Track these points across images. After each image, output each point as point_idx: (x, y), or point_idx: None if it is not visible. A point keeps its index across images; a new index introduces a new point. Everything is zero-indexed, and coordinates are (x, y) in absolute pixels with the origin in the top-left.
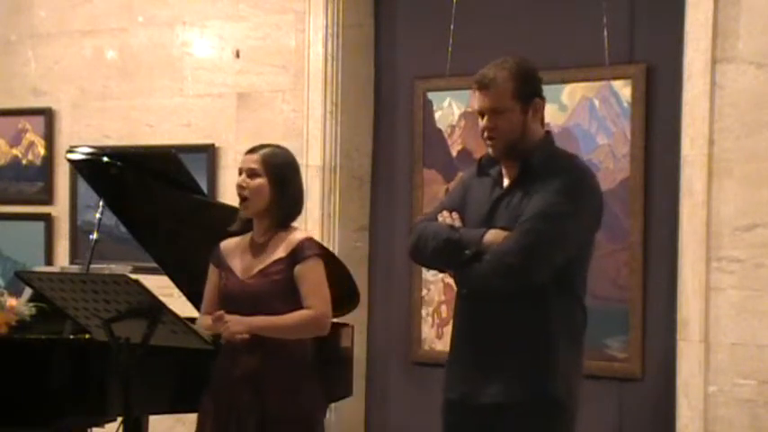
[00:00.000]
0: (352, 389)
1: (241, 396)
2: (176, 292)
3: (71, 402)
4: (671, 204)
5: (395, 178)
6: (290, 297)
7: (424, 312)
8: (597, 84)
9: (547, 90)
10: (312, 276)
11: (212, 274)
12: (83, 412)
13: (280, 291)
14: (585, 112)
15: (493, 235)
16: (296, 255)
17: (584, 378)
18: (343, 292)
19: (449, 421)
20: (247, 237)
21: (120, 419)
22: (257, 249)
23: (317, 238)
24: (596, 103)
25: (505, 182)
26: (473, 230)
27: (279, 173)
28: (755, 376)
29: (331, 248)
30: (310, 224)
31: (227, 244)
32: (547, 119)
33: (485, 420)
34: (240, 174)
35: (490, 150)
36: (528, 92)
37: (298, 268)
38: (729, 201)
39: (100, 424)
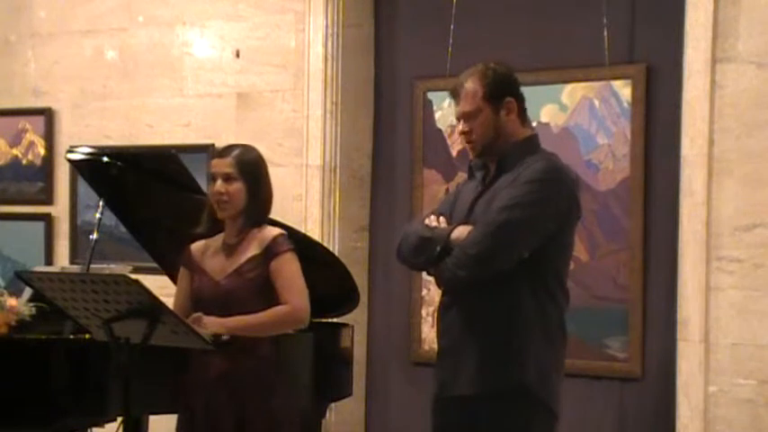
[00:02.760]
0: (352, 389)
1: (217, 397)
2: None
3: (71, 402)
4: (671, 204)
5: (395, 178)
6: (265, 294)
7: (424, 312)
8: (597, 84)
9: (547, 90)
10: (287, 271)
11: (183, 277)
12: (83, 412)
13: (255, 288)
14: (585, 112)
15: (459, 231)
16: (270, 251)
17: (583, 378)
18: (342, 293)
19: (434, 413)
20: (218, 239)
21: (120, 419)
22: (230, 250)
23: (317, 238)
24: (596, 103)
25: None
26: (444, 228)
27: (253, 174)
28: (755, 376)
29: (331, 248)
30: (310, 224)
31: (197, 246)
32: (547, 119)
33: (462, 411)
34: (215, 179)
35: (470, 153)
36: (498, 92)
37: (273, 264)
38: (729, 201)
39: (100, 424)
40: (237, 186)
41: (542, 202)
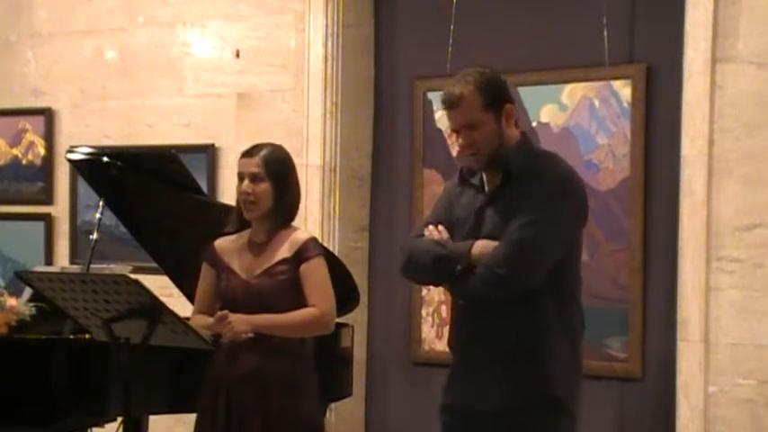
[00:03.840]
0: (352, 389)
1: (244, 395)
2: (176, 292)
3: (71, 402)
4: (671, 204)
5: (395, 178)
6: (294, 296)
7: (424, 312)
8: (597, 84)
9: (547, 90)
10: (317, 275)
11: (207, 273)
12: (83, 412)
13: (284, 290)
14: (585, 112)
15: (480, 247)
16: (301, 254)
17: (584, 378)
18: (343, 292)
19: (448, 425)
20: (244, 236)
21: (120, 419)
22: (257, 249)
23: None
24: (596, 103)
25: (487, 189)
26: (460, 244)
27: (280, 174)
28: (755, 376)
29: (331, 248)
30: (310, 224)
31: (222, 243)
32: (547, 119)
33: (486, 426)
34: (242, 179)
35: (474, 165)
36: (497, 100)
37: (303, 267)
38: (729, 201)
39: (100, 424)
40: (264, 187)
41: (564, 214)
